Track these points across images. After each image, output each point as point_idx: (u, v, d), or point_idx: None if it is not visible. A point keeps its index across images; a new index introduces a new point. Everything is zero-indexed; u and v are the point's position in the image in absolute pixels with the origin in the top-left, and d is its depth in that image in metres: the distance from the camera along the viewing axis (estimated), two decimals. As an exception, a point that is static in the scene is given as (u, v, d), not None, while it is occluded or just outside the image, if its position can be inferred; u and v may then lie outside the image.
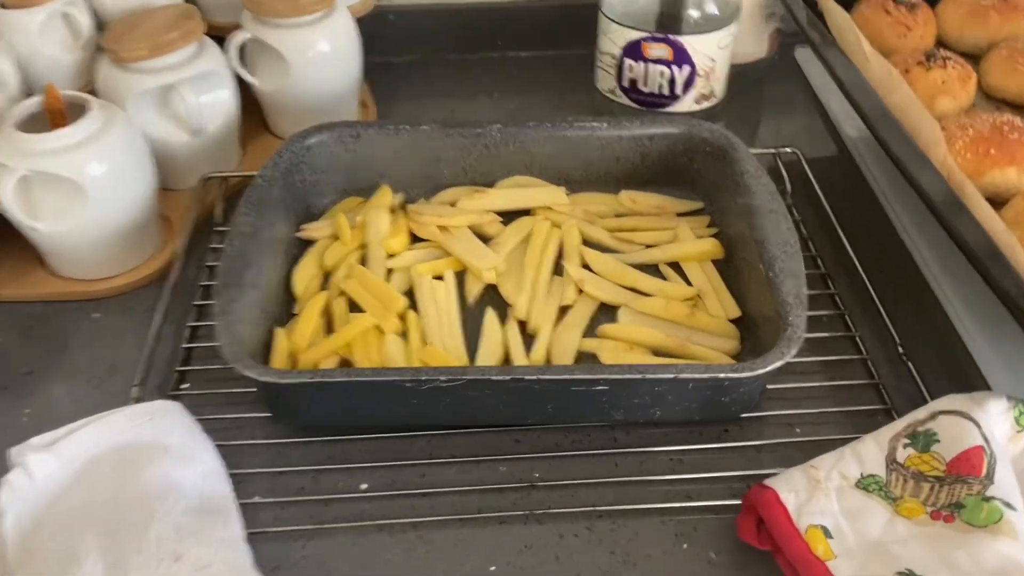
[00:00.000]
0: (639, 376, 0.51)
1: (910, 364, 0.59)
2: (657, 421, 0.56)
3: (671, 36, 0.77)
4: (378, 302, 0.62)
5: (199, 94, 0.70)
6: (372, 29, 0.83)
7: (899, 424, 0.52)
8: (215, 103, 0.72)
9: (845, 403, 0.58)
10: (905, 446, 0.51)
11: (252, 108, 0.79)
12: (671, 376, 0.51)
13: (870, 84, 0.68)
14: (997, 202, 0.62)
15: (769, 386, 0.57)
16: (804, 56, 0.89)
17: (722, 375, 0.51)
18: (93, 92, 0.68)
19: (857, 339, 0.62)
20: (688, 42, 0.77)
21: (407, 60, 0.94)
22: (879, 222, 0.71)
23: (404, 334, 0.61)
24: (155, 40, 0.68)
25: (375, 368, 0.51)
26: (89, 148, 0.61)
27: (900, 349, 0.60)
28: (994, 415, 0.51)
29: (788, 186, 0.74)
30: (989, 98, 0.73)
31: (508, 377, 0.51)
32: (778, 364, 0.51)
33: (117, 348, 0.62)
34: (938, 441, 0.51)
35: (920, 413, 0.52)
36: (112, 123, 0.63)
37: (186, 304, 0.64)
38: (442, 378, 0.51)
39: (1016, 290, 0.50)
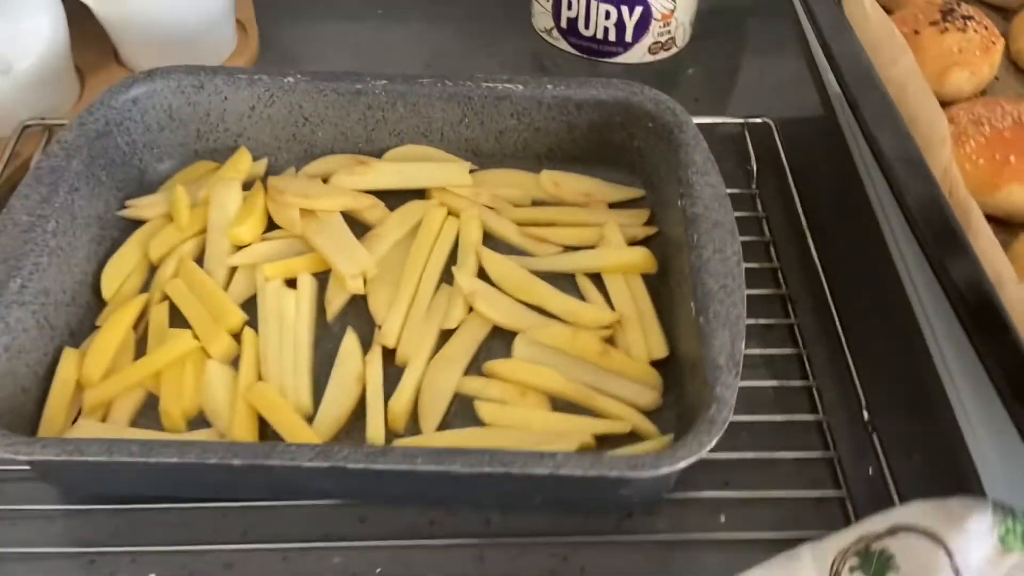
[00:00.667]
0: (501, 470, 0.38)
1: (875, 436, 0.46)
2: (540, 506, 0.44)
3: (621, -34, 0.61)
4: (208, 314, 0.49)
5: (2, 20, 0.54)
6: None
7: (847, 536, 0.40)
8: (28, 32, 0.56)
9: (788, 483, 0.45)
10: (852, 569, 0.39)
11: (99, 33, 0.63)
12: (546, 472, 0.38)
13: (864, 49, 0.52)
14: (1012, 224, 0.48)
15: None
16: (797, -10, 0.72)
17: (613, 474, 0.38)
18: None
19: (814, 391, 0.49)
20: (642, -25, 0.61)
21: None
22: (864, 225, 0.56)
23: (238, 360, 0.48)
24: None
25: (141, 441, 0.38)
26: None
27: (866, 414, 0.47)
28: (973, 535, 0.39)
29: (754, 167, 0.59)
30: (1018, 71, 0.57)
31: (325, 464, 0.38)
32: (690, 460, 0.38)
33: None
34: (895, 569, 0.38)
35: (877, 523, 0.40)
36: None
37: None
38: (235, 461, 0.38)
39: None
